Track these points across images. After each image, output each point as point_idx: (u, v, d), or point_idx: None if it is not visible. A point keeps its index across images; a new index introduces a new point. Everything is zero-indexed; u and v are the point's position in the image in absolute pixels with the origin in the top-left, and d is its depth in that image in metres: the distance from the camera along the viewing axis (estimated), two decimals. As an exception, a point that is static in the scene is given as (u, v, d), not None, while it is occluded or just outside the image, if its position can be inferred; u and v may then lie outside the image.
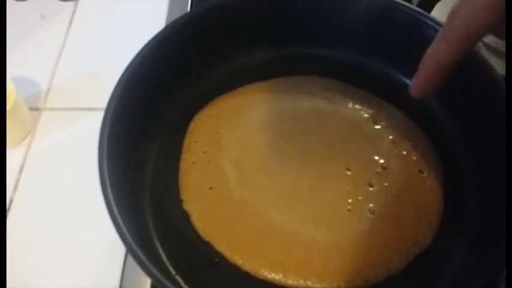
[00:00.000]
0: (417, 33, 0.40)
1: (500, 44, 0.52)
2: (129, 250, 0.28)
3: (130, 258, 0.38)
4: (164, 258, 0.34)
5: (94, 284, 0.39)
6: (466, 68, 0.37)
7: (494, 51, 0.52)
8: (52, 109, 0.50)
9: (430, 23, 0.39)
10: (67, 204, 0.43)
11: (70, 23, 0.57)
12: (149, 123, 0.38)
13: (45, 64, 0.53)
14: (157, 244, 0.34)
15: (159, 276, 0.27)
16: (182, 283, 0.33)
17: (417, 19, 0.39)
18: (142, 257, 0.28)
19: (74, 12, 0.58)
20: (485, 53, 0.52)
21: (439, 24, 0.39)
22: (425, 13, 0.40)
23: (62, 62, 0.54)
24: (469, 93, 0.38)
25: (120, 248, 0.39)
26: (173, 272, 0.33)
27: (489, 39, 0.52)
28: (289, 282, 0.33)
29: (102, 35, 0.56)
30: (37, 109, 0.49)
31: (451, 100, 0.40)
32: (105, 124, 0.33)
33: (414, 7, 0.40)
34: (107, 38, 0.56)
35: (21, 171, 0.45)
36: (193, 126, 0.40)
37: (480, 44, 0.53)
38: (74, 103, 0.50)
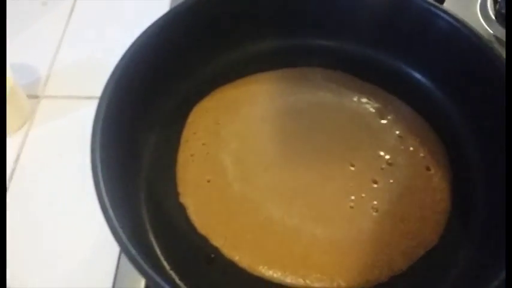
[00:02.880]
0: (428, 25, 0.38)
1: None
2: (120, 245, 0.27)
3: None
4: (159, 252, 0.33)
5: (89, 276, 0.38)
6: (479, 64, 0.36)
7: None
8: (51, 97, 0.49)
9: (443, 14, 0.38)
10: (63, 195, 0.42)
11: (72, 10, 0.56)
12: (146, 113, 0.37)
13: (46, 51, 0.52)
14: (152, 238, 0.33)
15: (150, 271, 0.26)
16: (177, 279, 0.32)
17: (429, 10, 0.38)
18: (133, 252, 0.27)
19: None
20: (498, 48, 0.50)
21: (452, 16, 0.37)
22: (438, 4, 0.38)
23: (62, 49, 0.52)
24: (481, 90, 0.36)
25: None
26: (168, 267, 0.32)
27: (501, 33, 0.51)
28: (288, 280, 0.32)
29: (104, 22, 0.55)
30: (36, 97, 0.48)
31: (461, 96, 0.38)
32: (99, 114, 0.32)
33: (426, -1, 0.39)
34: (109, 24, 0.54)
35: (17, 160, 0.44)
36: (192, 117, 0.39)
37: (493, 38, 0.51)
38: (73, 91, 0.49)
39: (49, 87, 0.49)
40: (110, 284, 0.36)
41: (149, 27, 0.37)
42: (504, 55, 0.49)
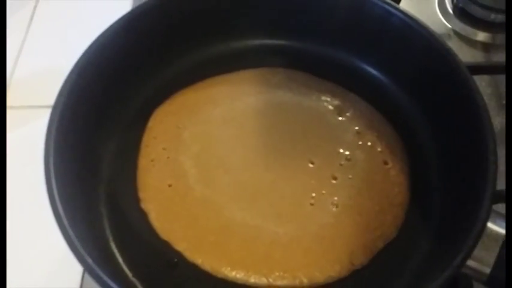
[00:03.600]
0: (384, 23, 0.39)
1: (470, 32, 0.52)
2: (75, 254, 0.26)
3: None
4: (120, 260, 0.33)
5: (55, 284, 0.37)
6: (431, 60, 0.37)
7: (466, 39, 0.51)
8: (12, 107, 0.48)
9: (398, 13, 0.38)
10: (27, 206, 0.41)
11: (31, 18, 0.55)
12: (105, 119, 0.37)
13: (5, 60, 0.51)
14: (113, 246, 0.33)
15: (108, 280, 0.26)
16: (140, 286, 0.32)
17: (385, 9, 0.39)
18: (89, 261, 0.26)
19: (35, 7, 0.56)
20: (456, 42, 0.52)
21: (407, 15, 0.38)
22: (392, 3, 0.39)
23: (22, 58, 0.52)
24: (434, 84, 0.37)
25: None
26: (130, 274, 0.32)
27: (460, 27, 0.52)
28: (252, 280, 0.32)
29: (65, 30, 0.54)
30: (-4, 107, 0.47)
31: (417, 91, 0.39)
32: (52, 122, 0.31)
33: (382, -3, 0.39)
34: (70, 32, 0.54)
35: (-23, 172, 0.43)
36: (152, 122, 0.38)
37: (451, 32, 0.52)
38: (35, 100, 0.49)
39: (9, 98, 0.48)
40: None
41: (105, 31, 0.37)
42: (462, 48, 0.51)
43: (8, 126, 0.46)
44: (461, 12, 0.53)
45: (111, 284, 0.26)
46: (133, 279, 0.32)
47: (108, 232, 0.33)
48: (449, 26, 0.52)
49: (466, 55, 0.49)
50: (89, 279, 0.36)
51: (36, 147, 0.44)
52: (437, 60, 0.36)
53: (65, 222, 0.27)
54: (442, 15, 0.53)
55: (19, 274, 0.38)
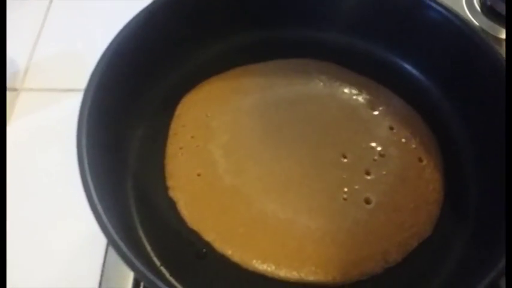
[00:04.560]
0: (417, 14, 0.38)
1: (498, 30, 0.51)
2: (110, 241, 0.26)
3: (111, 249, 0.35)
4: (148, 248, 0.32)
5: (74, 275, 0.37)
6: (469, 54, 0.36)
7: (493, 38, 0.51)
8: (31, 89, 0.47)
9: (433, 4, 0.37)
10: (46, 191, 0.41)
11: (51, 0, 0.54)
12: (133, 105, 0.36)
13: (24, 43, 0.50)
14: (142, 234, 0.32)
15: (142, 268, 0.25)
16: (167, 275, 0.31)
17: (419, 1, 0.38)
18: (124, 249, 0.26)
19: (55, -10, 0.55)
20: (485, 39, 0.51)
21: (442, 6, 0.37)
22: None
23: (41, 41, 0.51)
24: (471, 80, 0.36)
25: (101, 238, 0.37)
26: (158, 263, 0.31)
27: (487, 25, 0.51)
28: (282, 274, 0.31)
29: (85, 13, 0.53)
30: (15, 89, 0.47)
31: (451, 85, 0.38)
32: (84, 106, 0.30)
33: (414, -12, 0.38)
34: (90, 15, 0.53)
35: (-4, 155, 0.42)
36: (180, 109, 0.38)
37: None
38: (53, 83, 0.48)
39: (28, 80, 0.48)
40: (96, 284, 0.35)
41: (134, 18, 0.36)
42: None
43: (26, 108, 0.46)
44: (489, 10, 0.52)
45: (148, 274, 0.25)
46: (162, 268, 0.31)
47: (136, 220, 0.33)
48: (476, 23, 0.51)
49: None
50: (109, 270, 0.36)
51: (55, 130, 0.44)
52: (475, 55, 0.35)
53: (100, 209, 0.27)
54: (470, 13, 0.52)
55: (35, 270, 0.37)
